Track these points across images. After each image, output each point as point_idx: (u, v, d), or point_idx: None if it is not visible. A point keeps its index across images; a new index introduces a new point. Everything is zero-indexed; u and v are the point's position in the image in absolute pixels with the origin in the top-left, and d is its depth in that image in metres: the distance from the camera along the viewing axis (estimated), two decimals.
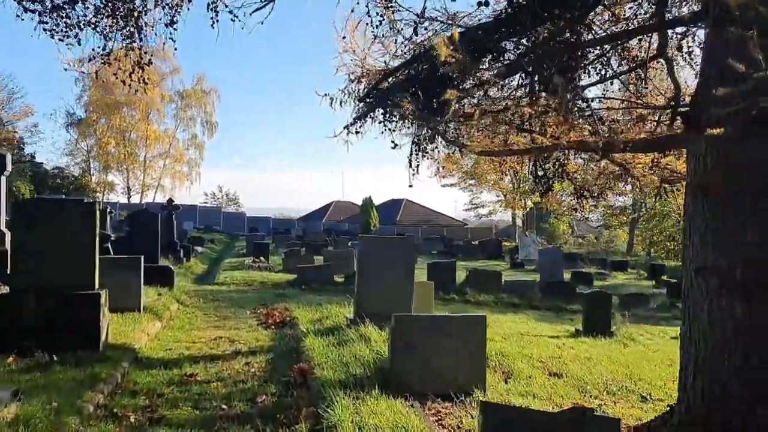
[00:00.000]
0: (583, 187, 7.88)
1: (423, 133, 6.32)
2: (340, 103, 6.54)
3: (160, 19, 6.59)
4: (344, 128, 6.55)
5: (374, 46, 6.36)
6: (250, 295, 14.53)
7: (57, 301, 6.81)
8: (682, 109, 4.86)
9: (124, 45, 6.75)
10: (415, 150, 6.49)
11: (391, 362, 6.06)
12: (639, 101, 6.11)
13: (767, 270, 3.95)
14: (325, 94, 6.52)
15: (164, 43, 6.75)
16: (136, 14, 6.48)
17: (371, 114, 6.39)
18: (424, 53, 5.73)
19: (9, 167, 11.11)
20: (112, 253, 13.52)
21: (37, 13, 6.14)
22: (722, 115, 3.37)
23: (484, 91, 5.76)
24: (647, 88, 6.63)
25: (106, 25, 6.48)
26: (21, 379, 5.77)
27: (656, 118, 6.12)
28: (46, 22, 6.21)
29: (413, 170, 6.64)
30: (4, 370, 6.07)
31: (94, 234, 7.24)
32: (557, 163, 7.28)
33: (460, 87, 5.33)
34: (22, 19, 6.12)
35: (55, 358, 6.35)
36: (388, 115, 6.27)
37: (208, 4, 6.34)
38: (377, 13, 5.94)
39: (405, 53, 6.31)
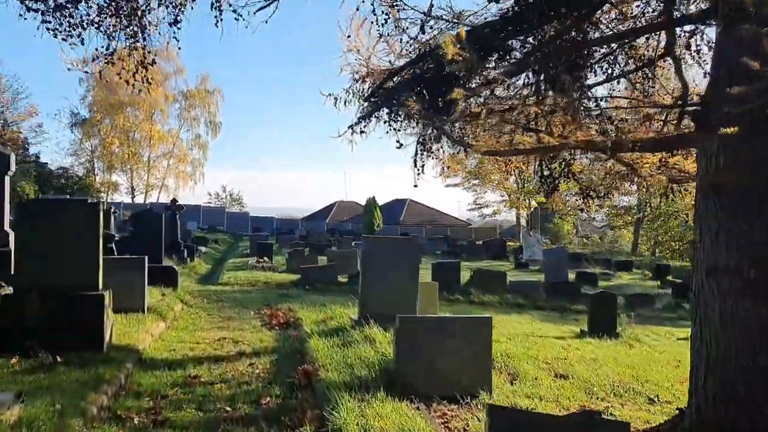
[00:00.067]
0: (589, 187, 7.82)
1: (428, 132, 6.27)
2: (345, 102, 6.50)
3: (164, 18, 6.57)
4: (349, 128, 6.51)
5: (379, 45, 6.31)
6: (254, 295, 14.51)
7: (60, 301, 6.78)
8: (692, 108, 4.80)
9: (127, 44, 6.72)
10: (420, 150, 6.44)
11: (396, 364, 6.01)
12: (646, 100, 6.04)
13: None
14: (330, 94, 6.48)
15: (168, 43, 6.73)
16: (139, 13, 6.45)
17: (376, 113, 6.34)
18: (430, 52, 5.68)
19: (13, 167, 11.11)
20: (116, 253, 13.52)
21: (40, 12, 6.11)
22: (735, 114, 3.31)
23: (491, 90, 5.71)
24: (654, 87, 6.56)
25: (109, 25, 6.45)
26: (24, 380, 5.74)
27: (663, 118, 6.05)
28: (49, 22, 6.18)
29: (418, 170, 6.59)
30: (7, 371, 6.04)
31: (98, 234, 7.20)
32: (563, 162, 7.22)
33: (467, 86, 5.28)
34: (25, 19, 6.10)
35: (58, 359, 6.32)
36: (393, 115, 6.23)
37: (212, 3, 6.30)
38: (382, 12, 5.90)
39: (410, 52, 6.26)
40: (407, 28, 6.11)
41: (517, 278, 20.18)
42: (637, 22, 5.97)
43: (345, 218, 55.81)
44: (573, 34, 5.62)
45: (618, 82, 6.92)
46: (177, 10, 6.42)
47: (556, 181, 7.45)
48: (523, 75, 6.03)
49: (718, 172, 4.17)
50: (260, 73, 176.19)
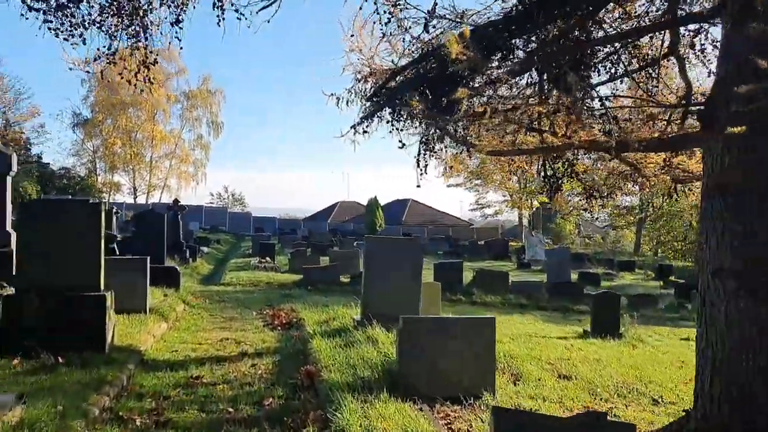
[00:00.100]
0: (593, 187, 7.79)
1: (431, 132, 6.24)
2: (347, 102, 6.47)
3: (166, 18, 6.53)
4: (351, 128, 6.48)
5: (381, 45, 6.28)
6: (256, 295, 14.49)
7: (61, 302, 6.77)
8: (696, 108, 4.77)
9: (129, 44, 6.69)
10: (424, 149, 6.41)
11: (399, 365, 5.99)
12: (651, 99, 6.01)
13: None
14: (332, 94, 6.45)
15: (170, 42, 6.69)
16: (141, 12, 6.42)
17: (379, 113, 6.31)
18: (433, 51, 5.65)
19: (15, 168, 11.11)
20: (117, 253, 13.50)
21: (41, 11, 6.08)
22: (743, 113, 3.28)
23: (495, 89, 5.68)
24: (657, 86, 6.53)
25: (111, 24, 6.42)
26: (26, 381, 5.73)
27: (666, 118, 6.02)
28: (51, 21, 6.16)
29: (421, 170, 6.56)
30: (9, 372, 6.03)
31: (100, 234, 7.19)
32: (567, 162, 7.19)
33: (470, 85, 5.25)
34: (27, 18, 6.08)
35: (60, 359, 6.31)
36: (395, 115, 6.20)
37: (214, 3, 6.26)
38: (385, 11, 5.87)
39: (413, 52, 6.24)
40: (410, 27, 6.09)
41: (519, 278, 20.13)
42: (641, 21, 5.95)
43: (347, 218, 55.79)
44: (576, 33, 5.59)
45: (621, 82, 6.90)
46: (179, 10, 6.39)
47: (560, 181, 7.42)
48: (526, 75, 6.01)
49: (723, 172, 4.14)
50: (262, 72, 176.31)
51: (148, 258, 10.40)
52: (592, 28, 5.82)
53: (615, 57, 6.33)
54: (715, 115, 3.97)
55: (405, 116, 6.12)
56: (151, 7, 6.45)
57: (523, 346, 8.51)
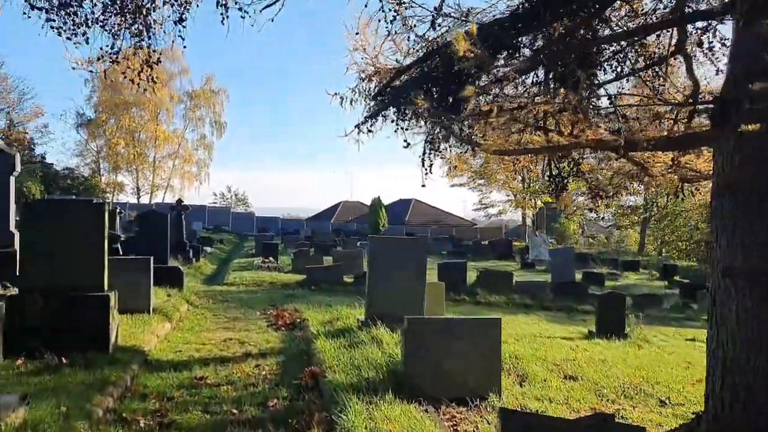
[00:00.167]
0: (598, 187, 7.73)
1: (437, 131, 6.20)
2: (351, 102, 6.44)
3: (169, 17, 6.51)
4: (355, 127, 6.45)
5: (386, 44, 6.25)
6: (260, 295, 14.46)
7: (65, 302, 6.74)
8: (705, 106, 4.72)
9: (132, 43, 6.67)
10: (429, 149, 6.37)
11: (404, 366, 5.95)
12: (658, 98, 5.95)
13: None
14: (336, 93, 6.42)
15: (173, 42, 6.66)
16: (144, 11, 6.40)
17: (383, 112, 6.28)
18: (438, 50, 5.61)
19: (18, 168, 11.10)
20: (121, 253, 13.49)
21: (44, 10, 6.07)
22: (756, 110, 3.22)
23: (501, 87, 5.63)
24: (664, 85, 6.48)
25: (114, 23, 6.40)
26: (30, 382, 5.71)
27: (673, 116, 5.97)
28: (54, 20, 6.14)
29: (426, 169, 6.52)
30: (12, 373, 6.00)
31: (103, 234, 7.17)
32: (572, 162, 7.14)
33: (477, 84, 5.20)
34: (29, 17, 6.05)
35: (63, 360, 6.28)
36: (400, 114, 6.16)
37: (218, 1, 6.24)
38: (390, 9, 5.84)
39: (417, 50, 6.20)
40: (415, 25, 6.06)
41: (523, 278, 20.08)
42: (648, 19, 5.89)
43: (350, 218, 55.76)
44: (583, 31, 5.55)
45: (627, 80, 6.85)
46: (182, 8, 6.36)
47: (565, 181, 7.37)
48: (532, 73, 5.97)
49: (734, 171, 4.09)
50: (262, 72, 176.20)
51: (152, 258, 10.38)
52: (598, 27, 5.77)
53: (621, 55, 6.28)
54: (727, 114, 3.92)
55: (410, 115, 6.08)
56: (154, 5, 6.42)
57: (528, 346, 8.46)
